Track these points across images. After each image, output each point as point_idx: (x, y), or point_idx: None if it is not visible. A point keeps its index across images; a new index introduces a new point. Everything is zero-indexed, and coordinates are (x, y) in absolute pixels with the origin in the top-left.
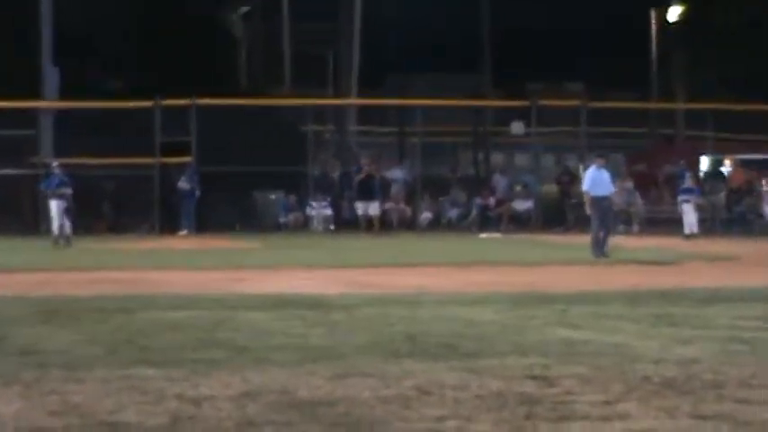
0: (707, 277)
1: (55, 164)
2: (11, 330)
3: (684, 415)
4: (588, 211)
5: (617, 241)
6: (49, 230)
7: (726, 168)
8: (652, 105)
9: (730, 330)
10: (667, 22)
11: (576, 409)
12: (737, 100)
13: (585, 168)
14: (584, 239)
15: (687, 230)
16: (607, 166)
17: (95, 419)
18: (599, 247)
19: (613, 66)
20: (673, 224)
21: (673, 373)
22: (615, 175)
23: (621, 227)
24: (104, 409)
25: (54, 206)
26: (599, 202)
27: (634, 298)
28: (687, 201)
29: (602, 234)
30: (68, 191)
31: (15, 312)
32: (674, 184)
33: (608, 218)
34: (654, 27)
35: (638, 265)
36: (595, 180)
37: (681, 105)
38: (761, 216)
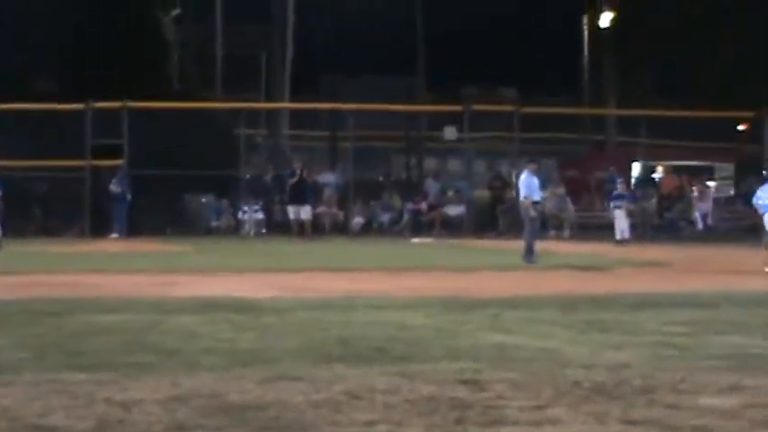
0: (638, 283)
1: None
2: None
3: (614, 420)
4: (526, 216)
5: (549, 246)
6: None
7: (657, 174)
8: (584, 111)
9: (660, 336)
10: (599, 27)
11: (506, 414)
12: (669, 106)
13: (518, 174)
14: (516, 245)
15: (618, 236)
16: (538, 172)
17: (23, 423)
18: (531, 253)
19: (546, 71)
20: (604, 230)
21: (603, 379)
22: (547, 181)
23: (553, 232)
24: (32, 413)
25: None
26: (531, 207)
27: (566, 303)
28: (619, 207)
29: (531, 239)
30: None
31: None
32: (605, 190)
33: (537, 224)
34: (586, 33)
35: (570, 271)
36: (530, 186)
37: (612, 111)
38: (691, 222)
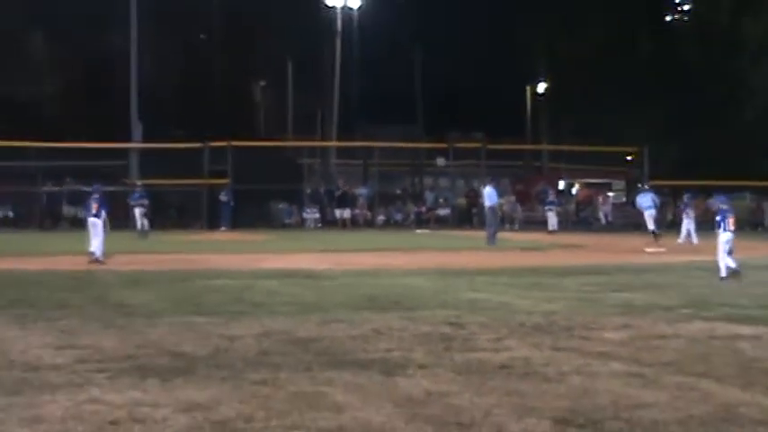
0: (563, 259)
1: (139, 183)
2: (109, 292)
3: (547, 348)
4: (489, 215)
5: (504, 236)
6: (134, 227)
7: (575, 188)
8: (527, 147)
9: (578, 293)
10: (537, 93)
11: (477, 343)
12: (582, 144)
13: (485, 187)
14: (482, 234)
15: (550, 228)
16: (496, 187)
17: (165, 350)
18: (493, 240)
19: (503, 121)
20: (540, 224)
21: (540, 321)
22: (504, 192)
23: (507, 226)
24: (170, 343)
25: (137, 211)
26: (493, 209)
27: (515, 272)
28: (550, 209)
29: (492, 230)
30: (146, 201)
31: (112, 280)
32: (541, 198)
33: (493, 219)
34: (528, 95)
35: (518, 251)
36: (491, 195)
37: (545, 147)
38: (597, 219)
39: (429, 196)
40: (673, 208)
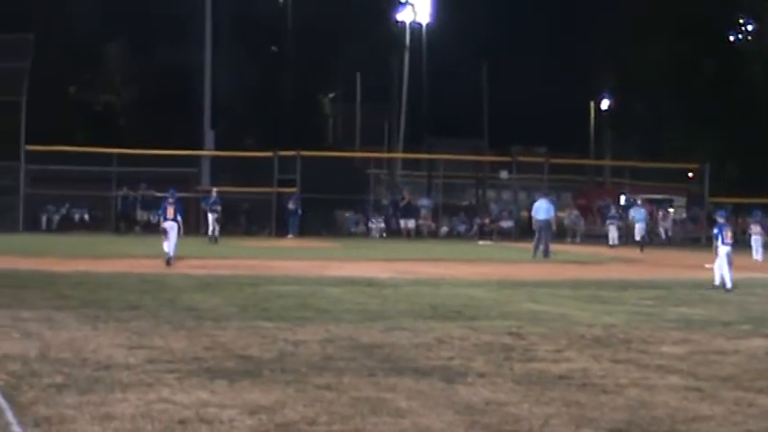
0: (623, 272)
1: (214, 190)
2: (179, 295)
3: (606, 360)
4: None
5: (566, 248)
6: (205, 233)
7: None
8: (590, 162)
9: (637, 307)
10: (600, 109)
11: (537, 354)
12: (645, 160)
13: (535, 201)
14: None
15: (611, 242)
16: (551, 200)
17: (233, 353)
18: (535, 253)
19: (566, 136)
20: (602, 238)
21: (599, 333)
22: (566, 206)
23: (569, 239)
24: (238, 347)
25: (210, 217)
26: (539, 223)
27: (576, 284)
28: (612, 223)
29: (541, 244)
30: (219, 207)
31: (182, 284)
32: (603, 213)
33: (546, 233)
34: (592, 111)
35: (579, 264)
36: (539, 209)
37: (608, 162)
38: (657, 235)
39: (493, 209)
40: (734, 225)
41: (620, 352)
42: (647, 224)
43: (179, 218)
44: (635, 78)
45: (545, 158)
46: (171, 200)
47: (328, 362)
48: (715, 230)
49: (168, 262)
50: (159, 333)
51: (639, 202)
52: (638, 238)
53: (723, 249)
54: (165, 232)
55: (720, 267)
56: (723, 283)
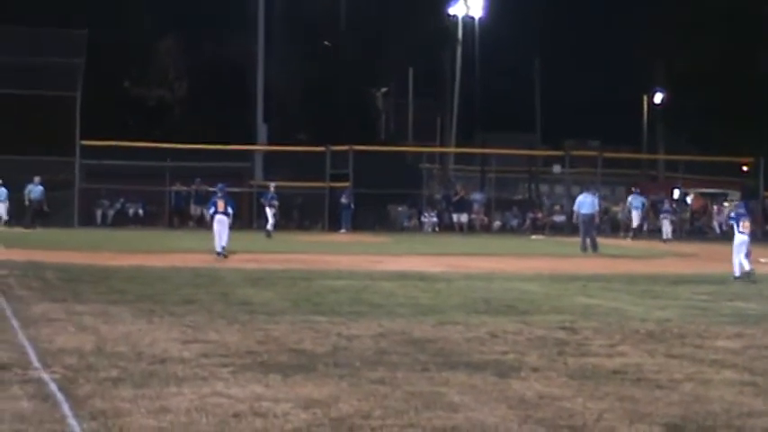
0: (677, 267)
1: (272, 185)
2: (232, 289)
3: (660, 355)
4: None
5: (619, 243)
6: (261, 227)
7: (689, 197)
8: (643, 156)
9: (691, 301)
10: (654, 102)
11: (591, 349)
12: (699, 154)
13: (579, 195)
14: (599, 241)
15: (664, 237)
16: (592, 194)
17: (286, 347)
18: (584, 247)
19: (619, 129)
20: (655, 233)
21: (653, 328)
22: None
23: (622, 234)
24: (291, 341)
25: (268, 211)
26: (583, 217)
27: (629, 279)
28: (665, 217)
29: (588, 239)
30: (276, 202)
31: (235, 278)
32: (656, 207)
33: (589, 228)
34: (645, 105)
35: (633, 258)
36: (583, 204)
37: (662, 156)
38: (711, 228)
39: (545, 203)
40: None
41: (674, 347)
42: (644, 212)
43: (230, 210)
44: (688, 71)
45: (598, 152)
46: (220, 194)
47: (382, 356)
48: (731, 221)
49: (219, 255)
50: (213, 327)
51: (638, 191)
52: (634, 225)
53: (739, 238)
54: (215, 224)
55: (736, 255)
56: (746, 273)
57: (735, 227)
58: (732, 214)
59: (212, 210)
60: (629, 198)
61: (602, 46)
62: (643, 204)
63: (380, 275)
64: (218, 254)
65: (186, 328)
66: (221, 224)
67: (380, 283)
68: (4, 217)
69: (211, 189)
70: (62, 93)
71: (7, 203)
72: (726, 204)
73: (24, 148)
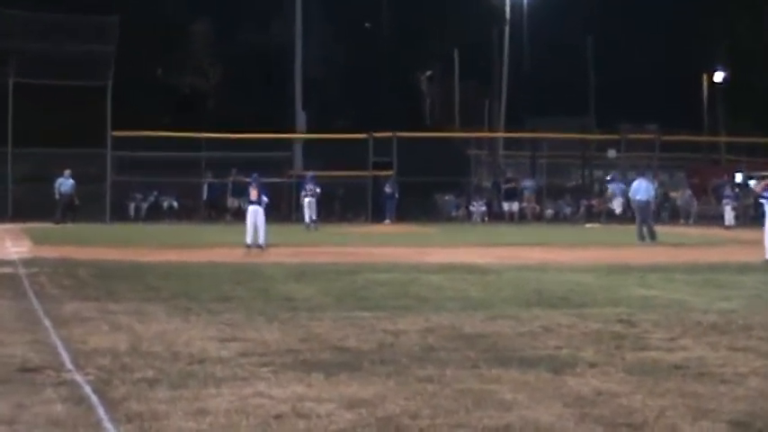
0: (740, 255)
1: (310, 174)
2: (272, 285)
3: (723, 348)
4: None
5: (679, 230)
6: (300, 220)
7: (752, 181)
8: (703, 139)
9: (755, 291)
10: (714, 82)
11: (650, 343)
12: (763, 135)
13: (634, 181)
14: (657, 229)
15: (727, 223)
16: (648, 179)
17: (329, 344)
18: (641, 235)
19: (677, 111)
20: (717, 219)
21: (716, 320)
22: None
23: (682, 220)
24: (335, 338)
25: (306, 202)
26: (639, 204)
27: (690, 268)
28: (727, 203)
29: (644, 227)
30: (317, 191)
31: (275, 273)
32: (718, 192)
33: (646, 215)
34: (705, 85)
35: (693, 247)
36: (637, 189)
37: (723, 139)
38: None
39: (599, 189)
40: None
41: (739, 339)
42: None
43: (264, 199)
44: (750, 49)
45: (656, 136)
46: (253, 183)
47: (429, 352)
48: (761, 198)
49: (251, 248)
50: (253, 325)
51: (612, 175)
52: (618, 212)
53: None
54: (248, 214)
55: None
56: None
57: (766, 206)
58: (765, 193)
59: (247, 200)
60: (611, 186)
61: (659, 22)
62: (624, 191)
63: (427, 268)
64: (248, 246)
65: (224, 327)
66: (254, 215)
67: (427, 276)
68: None
69: (248, 180)
70: (92, 82)
71: None
72: None
73: (54, 139)
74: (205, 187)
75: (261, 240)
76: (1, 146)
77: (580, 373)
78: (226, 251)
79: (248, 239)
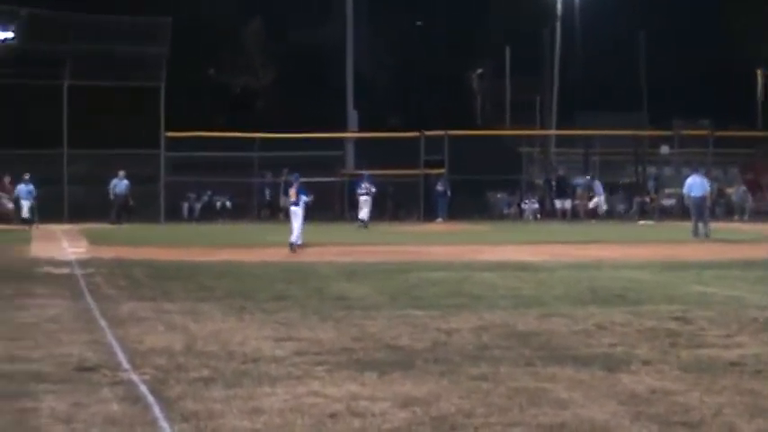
0: None
1: (366, 173)
2: (326, 284)
3: None
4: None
5: (734, 226)
6: (354, 218)
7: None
8: (758, 134)
9: None
10: None
11: (706, 340)
12: None
13: (687, 177)
14: (711, 225)
15: None
16: (702, 175)
17: (383, 343)
18: (696, 231)
19: (732, 106)
20: None
21: None
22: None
23: (737, 216)
24: (388, 336)
25: (362, 201)
26: (694, 200)
27: (746, 265)
28: None
29: (700, 222)
30: (372, 190)
31: (328, 272)
32: None
33: (701, 211)
34: (759, 81)
35: (749, 243)
36: (692, 186)
37: None
38: None
39: (653, 186)
40: None
41: None
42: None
43: (303, 199)
44: None
45: (709, 131)
46: (294, 183)
47: (483, 351)
48: None
49: (291, 248)
50: (307, 324)
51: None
52: (604, 210)
53: None
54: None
55: None
56: None
57: None
58: None
59: (287, 200)
60: (591, 184)
61: (712, 16)
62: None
63: (480, 266)
64: (290, 245)
65: (278, 326)
66: (293, 215)
67: (480, 274)
68: (27, 215)
69: (301, 180)
70: (145, 83)
71: (32, 202)
72: None
73: (108, 141)
74: (259, 187)
75: (293, 239)
76: (57, 147)
77: (635, 370)
78: (279, 250)
79: (297, 240)
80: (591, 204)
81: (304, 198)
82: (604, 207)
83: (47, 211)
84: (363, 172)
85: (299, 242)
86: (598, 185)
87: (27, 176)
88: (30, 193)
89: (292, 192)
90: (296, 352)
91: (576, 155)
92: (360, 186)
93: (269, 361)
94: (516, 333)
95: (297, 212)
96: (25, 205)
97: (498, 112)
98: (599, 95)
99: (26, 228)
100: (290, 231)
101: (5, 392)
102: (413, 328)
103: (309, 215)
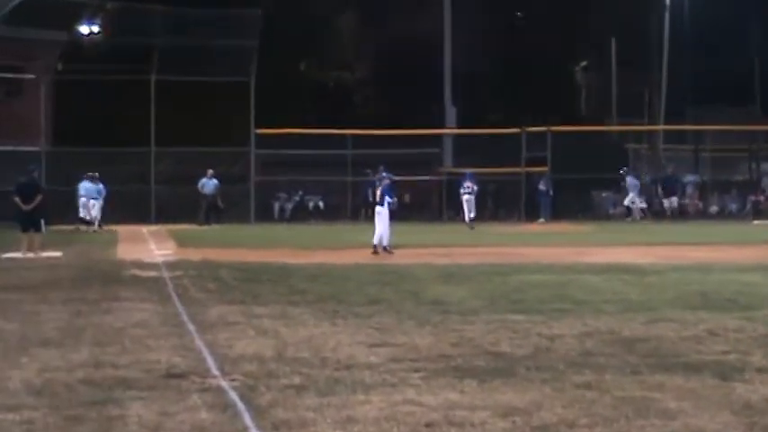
0: None
1: (469, 171)
2: (422, 287)
3: None
4: None
5: None
6: (451, 218)
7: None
8: None
9: None
10: None
11: None
12: None
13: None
14: None
15: None
16: None
17: (482, 349)
18: None
19: None
20: None
21: None
22: None
23: None
24: (487, 342)
25: (465, 200)
26: None
27: None
28: None
29: None
30: (474, 188)
31: (425, 275)
32: None
33: None
34: None
35: None
36: None
37: None
38: None
39: (767, 184)
40: None
41: None
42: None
43: (387, 199)
44: None
45: None
46: (377, 183)
47: (588, 358)
48: None
49: (383, 249)
50: (402, 329)
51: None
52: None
53: None
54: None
55: None
56: None
57: None
58: None
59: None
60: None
61: None
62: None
63: (584, 268)
64: (384, 248)
65: (373, 331)
66: (377, 216)
67: (584, 277)
68: (96, 215)
69: (397, 178)
70: (235, 78)
71: (101, 202)
72: None
73: (196, 138)
74: (353, 186)
75: (376, 240)
76: (143, 145)
77: (749, 379)
78: (372, 252)
79: (384, 241)
80: (639, 204)
81: (388, 199)
82: (640, 206)
83: (132, 211)
84: (466, 170)
85: (386, 244)
86: (631, 181)
87: (95, 174)
88: (99, 192)
89: (378, 191)
90: (391, 358)
91: (687, 151)
92: (463, 185)
93: (363, 368)
94: (622, 339)
95: (382, 213)
96: (96, 205)
97: (604, 106)
98: (710, 88)
99: (87, 229)
100: (373, 232)
101: (92, 399)
102: (513, 334)
103: (407, 215)
